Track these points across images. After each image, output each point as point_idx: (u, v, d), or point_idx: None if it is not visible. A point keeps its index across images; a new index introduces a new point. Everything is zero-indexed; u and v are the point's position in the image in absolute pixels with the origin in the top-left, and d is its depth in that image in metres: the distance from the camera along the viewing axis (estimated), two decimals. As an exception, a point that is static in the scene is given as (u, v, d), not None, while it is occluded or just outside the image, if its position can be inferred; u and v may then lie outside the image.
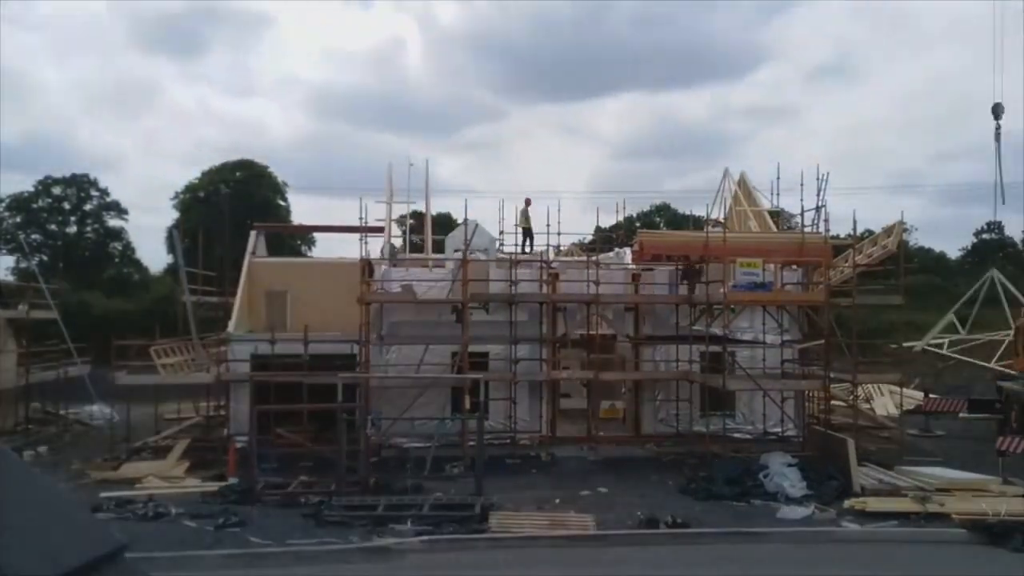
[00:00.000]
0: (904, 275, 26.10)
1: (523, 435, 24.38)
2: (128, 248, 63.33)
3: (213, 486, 19.84)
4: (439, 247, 28.87)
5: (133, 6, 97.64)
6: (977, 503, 17.75)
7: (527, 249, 26.46)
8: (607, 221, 32.61)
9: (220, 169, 60.48)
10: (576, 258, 28.37)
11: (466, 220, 25.85)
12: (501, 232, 26.23)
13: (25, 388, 28.23)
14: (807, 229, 24.40)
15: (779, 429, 24.31)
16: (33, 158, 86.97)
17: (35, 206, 61.18)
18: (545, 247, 25.83)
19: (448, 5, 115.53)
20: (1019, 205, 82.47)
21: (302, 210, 68.64)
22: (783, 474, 19.94)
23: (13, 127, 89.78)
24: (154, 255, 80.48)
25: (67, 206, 62.22)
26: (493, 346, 24.34)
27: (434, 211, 34.31)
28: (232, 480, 20.33)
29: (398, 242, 32.04)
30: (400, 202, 30.05)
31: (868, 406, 30.45)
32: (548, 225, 24.67)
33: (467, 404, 22.93)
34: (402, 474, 20.18)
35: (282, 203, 61.17)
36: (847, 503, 18.26)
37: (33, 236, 59.80)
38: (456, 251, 25.15)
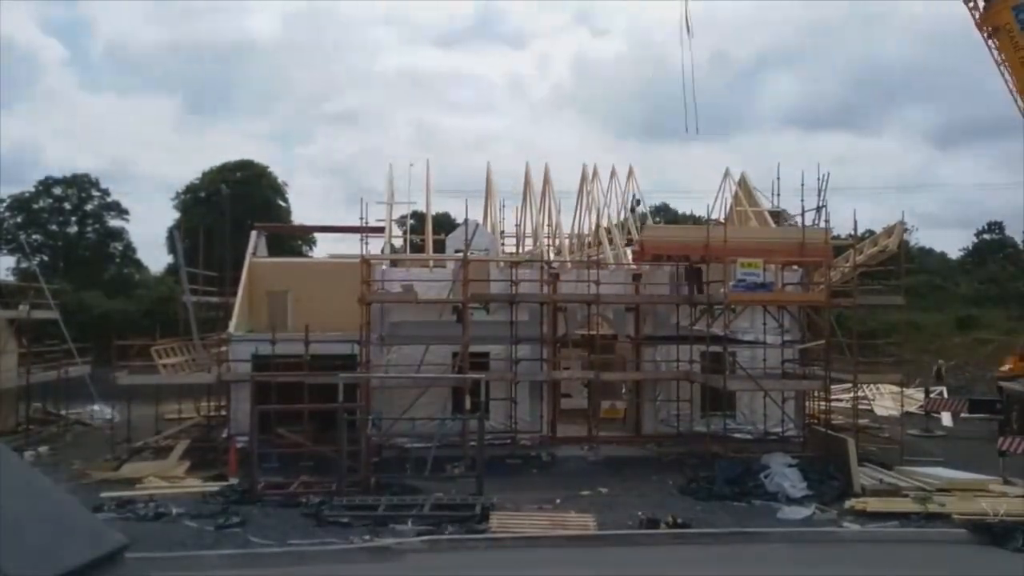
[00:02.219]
0: (905, 275, 26.09)
1: (524, 435, 24.37)
2: (129, 248, 63.36)
3: (214, 486, 19.83)
4: (440, 247, 28.87)
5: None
6: (978, 503, 17.75)
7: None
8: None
9: (220, 169, 60.43)
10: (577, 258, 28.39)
11: (467, 220, 25.86)
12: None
13: (26, 388, 28.23)
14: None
15: (780, 429, 24.29)
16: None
17: (36, 206, 61.17)
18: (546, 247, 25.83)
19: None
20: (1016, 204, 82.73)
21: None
22: (784, 474, 19.93)
23: None
24: (155, 255, 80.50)
25: (68, 206, 62.18)
26: (494, 346, 24.34)
27: (434, 211, 34.28)
28: (233, 480, 20.34)
29: (399, 242, 32.06)
30: (400, 203, 30.08)
31: (868, 406, 30.45)
32: (549, 225, 24.68)
33: (468, 404, 22.93)
34: (403, 474, 20.18)
35: (282, 203, 61.14)
36: (848, 503, 18.28)
37: (34, 236, 59.74)
38: (457, 251, 25.14)
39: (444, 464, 20.92)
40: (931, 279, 57.18)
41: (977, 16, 25.05)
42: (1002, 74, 25.09)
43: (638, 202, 31.38)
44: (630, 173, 30.91)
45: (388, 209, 29.01)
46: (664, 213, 68.70)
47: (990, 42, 25.06)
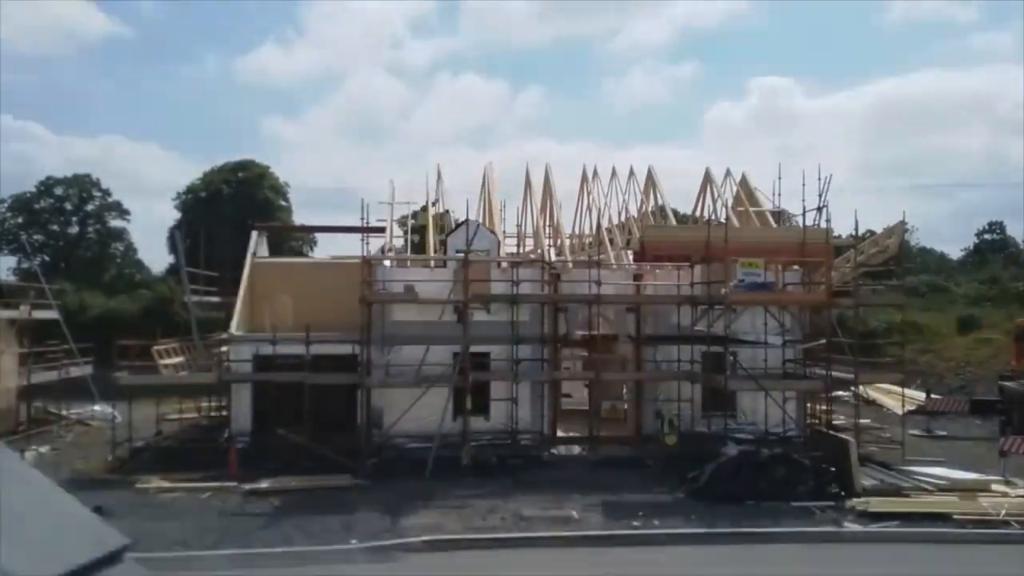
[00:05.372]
0: (905, 275, 26.09)
1: (524, 435, 24.35)
2: (130, 248, 63.45)
3: (215, 486, 19.83)
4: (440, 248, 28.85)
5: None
6: (979, 503, 17.74)
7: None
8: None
9: (221, 169, 60.48)
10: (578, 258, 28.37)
11: (467, 220, 25.84)
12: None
13: (27, 388, 28.24)
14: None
15: (781, 429, 24.27)
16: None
17: (37, 206, 61.25)
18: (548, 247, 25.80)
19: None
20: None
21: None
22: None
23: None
24: (156, 255, 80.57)
25: (69, 206, 62.27)
26: (494, 346, 24.32)
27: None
28: (234, 481, 20.32)
29: (400, 242, 32.08)
30: (401, 203, 30.07)
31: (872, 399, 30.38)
32: (549, 226, 24.65)
33: (468, 404, 22.91)
34: (402, 475, 20.17)
35: (283, 203, 61.15)
36: (849, 503, 18.25)
37: (35, 236, 59.83)
38: (458, 251, 25.12)
39: (445, 464, 20.90)
40: (932, 279, 57.16)
41: None
42: None
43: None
44: (631, 173, 30.90)
45: (389, 210, 29.05)
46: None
47: None
